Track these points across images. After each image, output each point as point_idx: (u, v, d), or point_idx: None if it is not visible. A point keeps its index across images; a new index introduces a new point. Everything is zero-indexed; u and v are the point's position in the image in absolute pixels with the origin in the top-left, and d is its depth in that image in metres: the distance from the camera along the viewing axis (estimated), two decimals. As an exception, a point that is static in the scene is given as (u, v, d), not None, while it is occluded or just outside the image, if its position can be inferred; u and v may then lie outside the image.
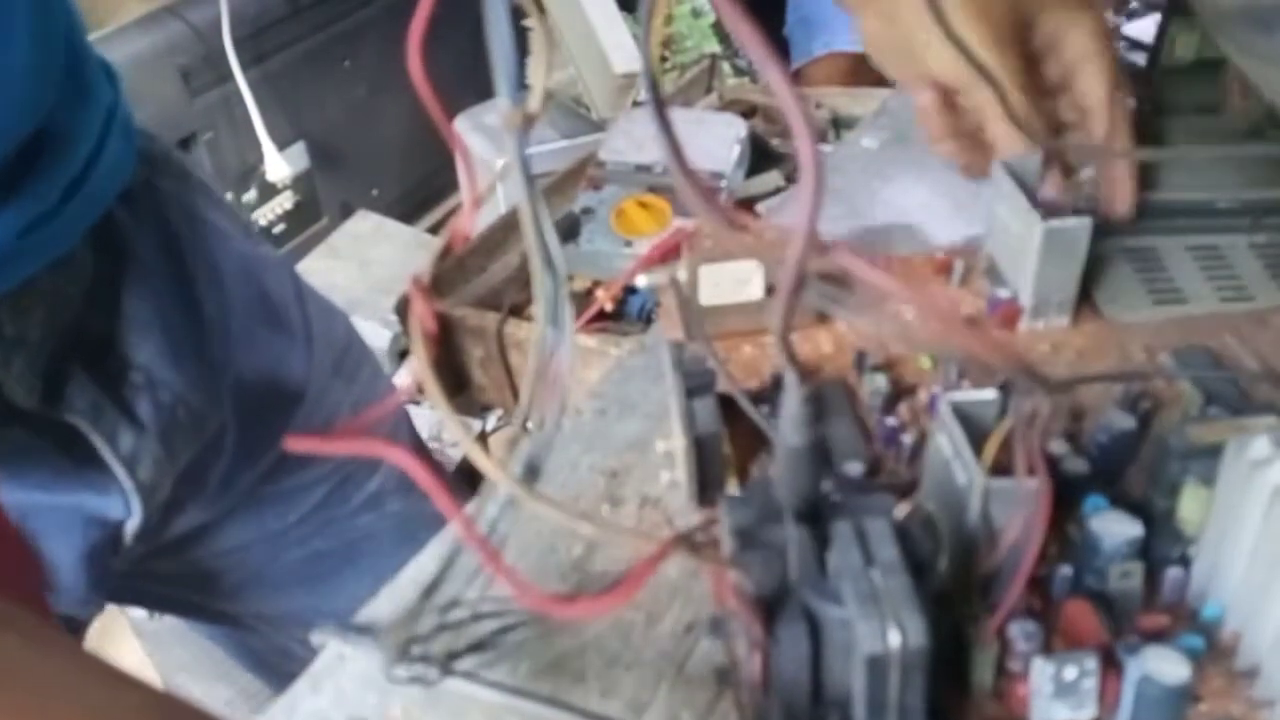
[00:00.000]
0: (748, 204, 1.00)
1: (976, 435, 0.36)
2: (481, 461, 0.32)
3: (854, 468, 0.43)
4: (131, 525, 0.54)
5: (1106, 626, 0.36)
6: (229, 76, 1.34)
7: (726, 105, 1.16)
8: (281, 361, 0.63)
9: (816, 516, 0.33)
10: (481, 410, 1.17)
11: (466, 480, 0.79)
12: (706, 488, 0.43)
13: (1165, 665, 0.32)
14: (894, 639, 0.30)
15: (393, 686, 0.38)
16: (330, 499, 0.68)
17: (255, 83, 1.37)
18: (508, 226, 1.17)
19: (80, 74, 0.48)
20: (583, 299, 0.95)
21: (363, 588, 0.43)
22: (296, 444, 0.38)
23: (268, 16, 1.39)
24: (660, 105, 0.27)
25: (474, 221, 0.34)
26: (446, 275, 1.14)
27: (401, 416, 0.77)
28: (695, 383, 0.43)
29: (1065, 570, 0.38)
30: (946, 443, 0.37)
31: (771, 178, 1.03)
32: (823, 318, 0.51)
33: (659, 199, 0.96)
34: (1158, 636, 0.36)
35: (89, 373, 0.50)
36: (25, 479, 0.48)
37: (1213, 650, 0.36)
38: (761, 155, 1.06)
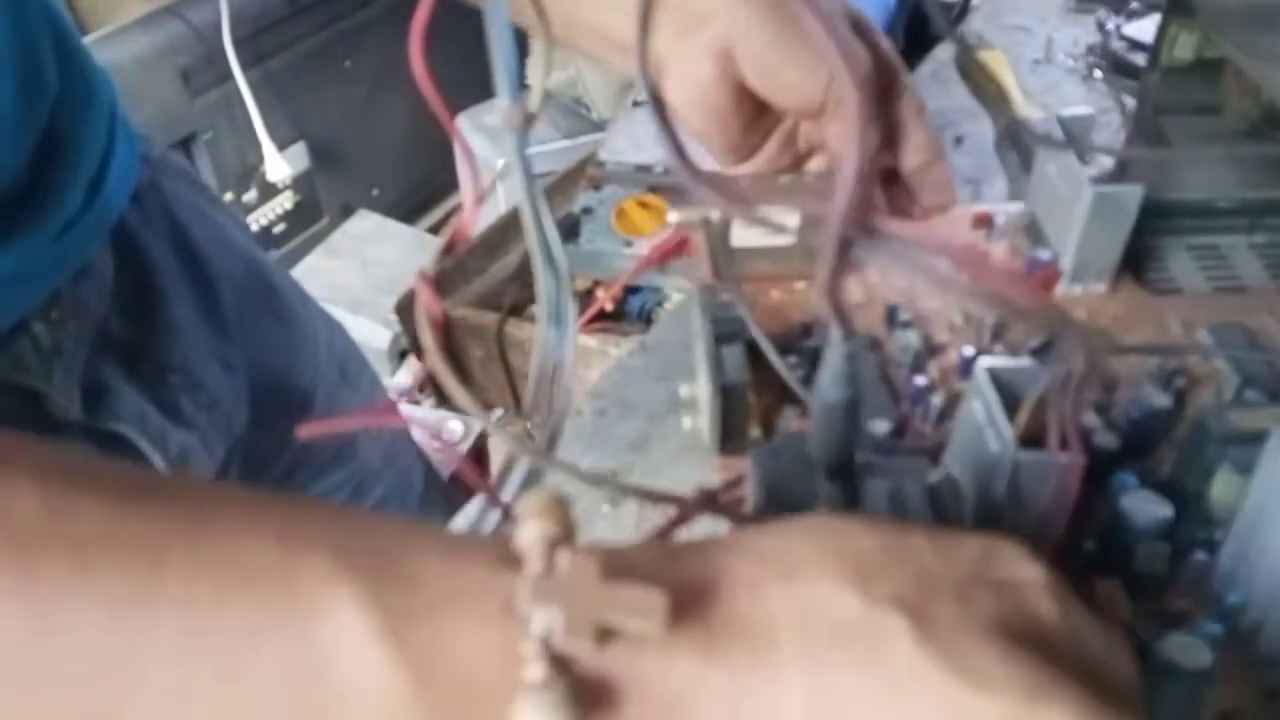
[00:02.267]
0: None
1: (1011, 402, 0.35)
2: (498, 439, 0.32)
3: (880, 426, 0.42)
4: None
5: (1128, 606, 0.36)
6: (229, 76, 1.33)
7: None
8: (292, 363, 0.62)
9: (847, 474, 0.32)
10: (482, 410, 1.17)
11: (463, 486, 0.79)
12: (730, 437, 0.43)
13: (1186, 650, 0.32)
14: None
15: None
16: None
17: (255, 83, 1.37)
18: (507, 226, 1.17)
19: (81, 76, 0.48)
20: (583, 299, 0.95)
21: None
22: (308, 430, 0.37)
23: (268, 16, 1.39)
24: (660, 103, 0.27)
25: (476, 219, 0.34)
26: (446, 275, 1.14)
27: (402, 431, 0.77)
28: (725, 330, 0.42)
29: (1089, 546, 0.37)
30: (980, 409, 0.36)
31: (772, 177, 1.03)
32: (854, 265, 0.50)
33: (659, 199, 0.96)
34: (1179, 619, 0.36)
35: (129, 380, 0.49)
36: None
37: (1233, 637, 0.36)
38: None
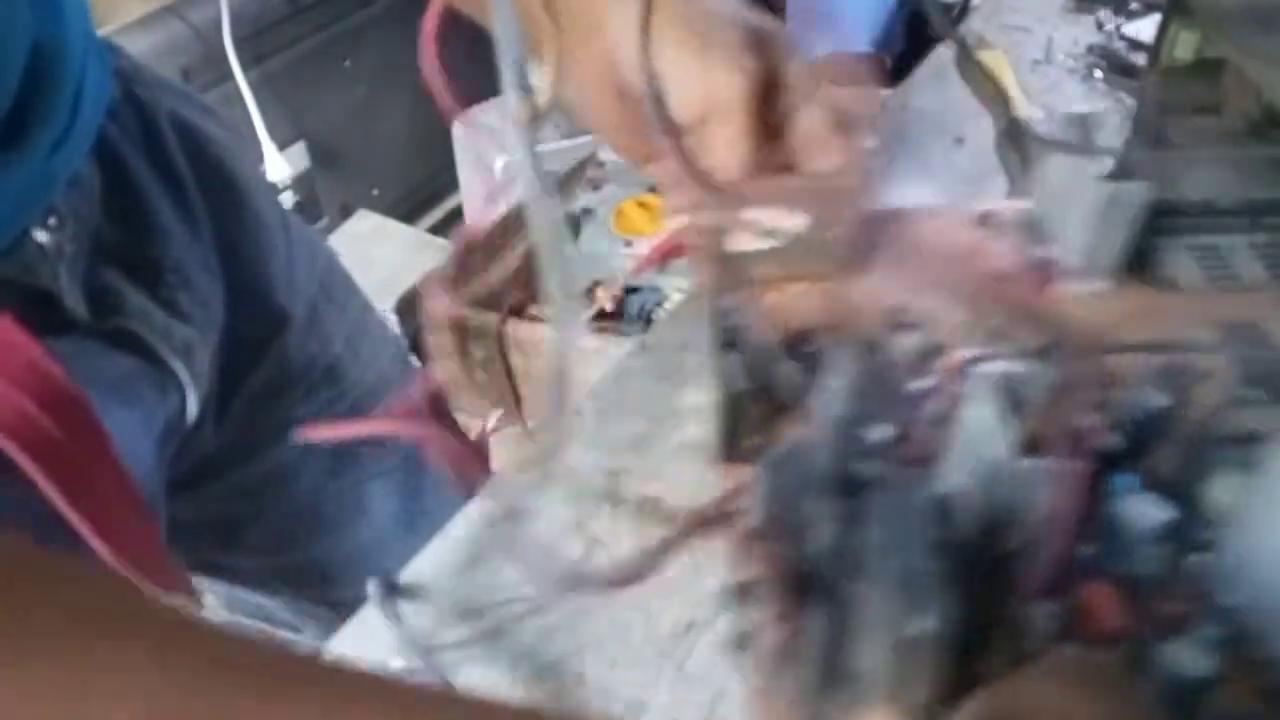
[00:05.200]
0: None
1: (1014, 406, 0.35)
2: (497, 439, 0.32)
3: (880, 432, 0.42)
4: (190, 417, 0.56)
5: (1128, 610, 0.36)
6: (229, 76, 1.33)
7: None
8: (266, 278, 0.63)
9: (852, 488, 0.32)
10: (487, 410, 1.17)
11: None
12: (733, 445, 0.43)
13: (1186, 656, 0.32)
14: (926, 623, 0.29)
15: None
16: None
17: (255, 83, 1.37)
18: (507, 227, 1.17)
19: None
20: (582, 299, 0.95)
21: (372, 536, 0.43)
22: (313, 433, 0.38)
23: (268, 16, 1.39)
24: (659, 104, 0.27)
25: (487, 218, 0.34)
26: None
27: (396, 352, 0.77)
28: (731, 337, 0.42)
29: (1089, 550, 0.37)
30: (981, 415, 0.36)
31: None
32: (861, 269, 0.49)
33: (659, 199, 0.96)
34: (1180, 623, 0.35)
35: (129, 281, 0.52)
36: (102, 386, 0.49)
37: (1235, 641, 0.36)
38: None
